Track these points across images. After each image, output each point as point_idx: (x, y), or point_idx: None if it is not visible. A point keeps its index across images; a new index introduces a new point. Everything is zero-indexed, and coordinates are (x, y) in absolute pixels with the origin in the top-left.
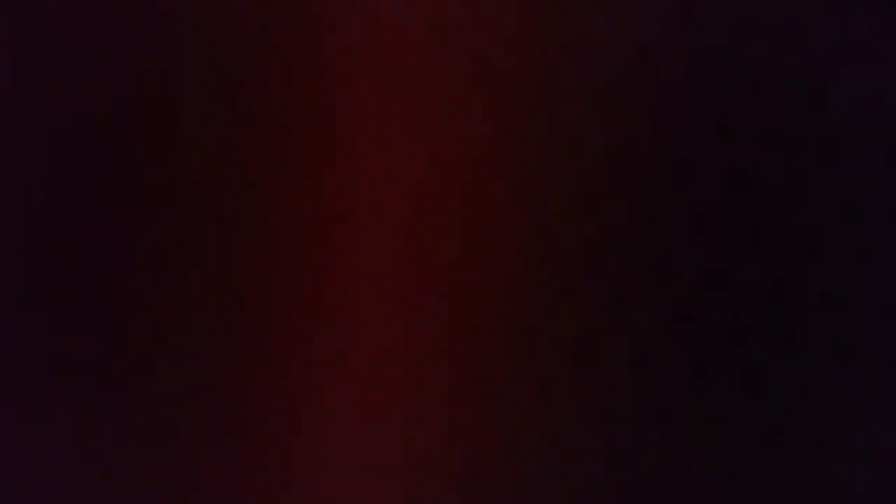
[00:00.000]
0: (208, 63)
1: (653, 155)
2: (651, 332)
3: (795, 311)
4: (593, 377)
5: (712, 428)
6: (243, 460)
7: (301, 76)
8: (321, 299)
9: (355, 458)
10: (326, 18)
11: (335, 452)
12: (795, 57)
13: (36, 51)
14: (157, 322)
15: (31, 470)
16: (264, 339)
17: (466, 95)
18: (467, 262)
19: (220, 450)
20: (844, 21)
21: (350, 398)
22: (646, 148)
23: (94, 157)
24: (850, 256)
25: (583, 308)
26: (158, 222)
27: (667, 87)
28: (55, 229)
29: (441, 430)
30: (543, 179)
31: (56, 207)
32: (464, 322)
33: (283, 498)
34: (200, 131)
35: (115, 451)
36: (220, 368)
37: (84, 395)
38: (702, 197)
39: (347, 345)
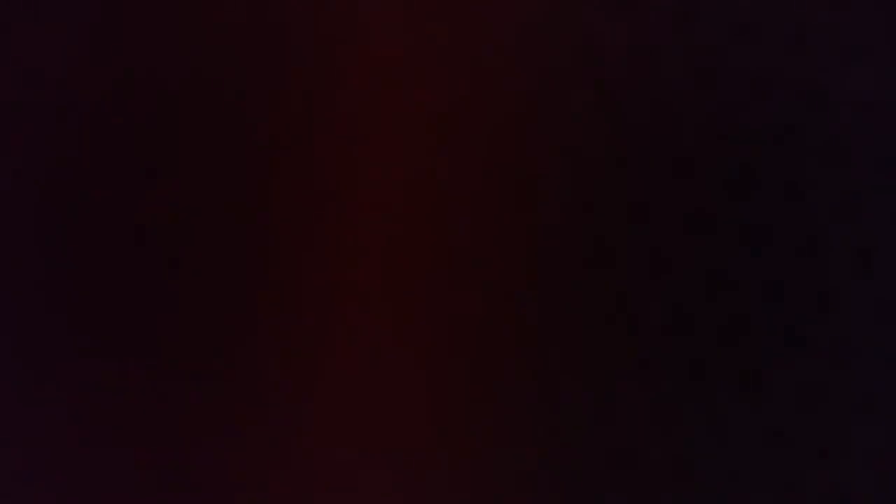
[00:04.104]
0: (208, 64)
1: (653, 155)
2: (651, 331)
3: (795, 311)
4: (593, 377)
5: (712, 428)
6: (241, 460)
7: (301, 76)
8: (320, 299)
9: (354, 458)
10: (325, 19)
11: (333, 452)
12: (796, 58)
13: (38, 52)
14: (154, 320)
15: (30, 469)
16: (264, 338)
17: (466, 95)
18: (467, 262)
19: (217, 448)
20: (845, 21)
21: (349, 398)
22: (646, 148)
23: (93, 156)
24: (850, 256)
25: (583, 308)
26: (157, 222)
27: (667, 88)
28: (54, 227)
29: (440, 430)
30: (543, 179)
31: (56, 205)
32: (464, 322)
33: (281, 497)
34: (199, 131)
35: (113, 450)
36: (219, 367)
37: (83, 394)
38: (702, 197)
39: (346, 344)
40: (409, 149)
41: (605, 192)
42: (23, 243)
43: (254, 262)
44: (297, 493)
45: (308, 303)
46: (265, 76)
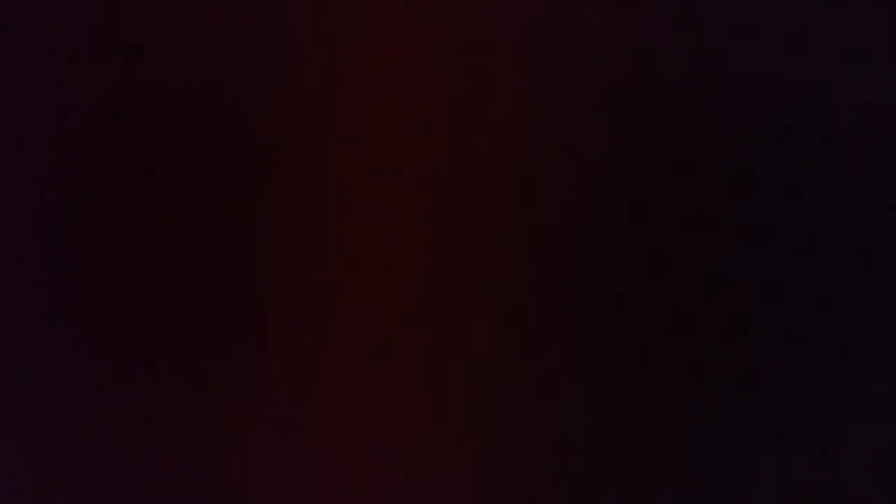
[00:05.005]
0: (208, 63)
1: (653, 155)
2: (651, 331)
3: (795, 311)
4: (593, 377)
5: (712, 428)
6: (241, 460)
7: (301, 76)
8: (321, 299)
9: (354, 458)
10: (325, 19)
11: (333, 452)
12: (796, 58)
13: (39, 52)
14: (154, 320)
15: (30, 469)
16: (264, 338)
17: (466, 95)
18: (467, 262)
19: (217, 448)
20: (845, 21)
21: (349, 398)
22: (646, 148)
23: (93, 156)
24: (850, 256)
25: (583, 308)
26: (157, 222)
27: (667, 88)
28: (54, 227)
29: (440, 430)
30: (543, 179)
31: (56, 205)
32: (464, 322)
33: (282, 497)
34: (199, 131)
35: (113, 450)
36: (219, 367)
37: (83, 394)
38: (702, 197)
39: (346, 344)
40: (408, 149)
41: (605, 192)
42: (23, 243)
43: (254, 263)
44: (297, 493)
45: (308, 303)
46: (265, 76)
